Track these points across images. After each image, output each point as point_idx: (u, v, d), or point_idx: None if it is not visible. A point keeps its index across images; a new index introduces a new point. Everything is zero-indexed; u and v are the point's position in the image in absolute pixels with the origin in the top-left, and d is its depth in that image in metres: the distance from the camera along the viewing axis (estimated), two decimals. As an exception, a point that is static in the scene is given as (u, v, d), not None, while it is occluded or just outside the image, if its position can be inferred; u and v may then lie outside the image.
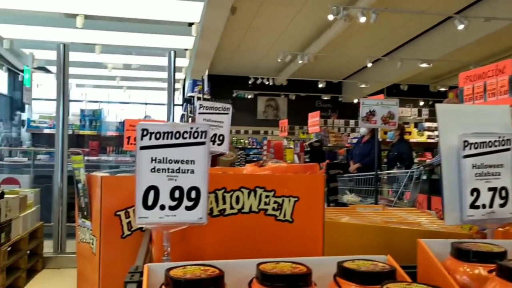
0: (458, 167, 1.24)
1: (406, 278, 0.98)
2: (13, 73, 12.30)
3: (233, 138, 17.00)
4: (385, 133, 10.62)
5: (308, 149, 11.12)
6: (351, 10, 8.38)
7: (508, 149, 1.23)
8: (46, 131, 7.35)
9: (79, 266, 2.06)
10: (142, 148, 1.02)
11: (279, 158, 12.54)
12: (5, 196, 3.74)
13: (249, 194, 1.16)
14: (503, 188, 1.23)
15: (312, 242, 1.19)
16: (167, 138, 1.03)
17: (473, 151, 1.23)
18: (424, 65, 11.79)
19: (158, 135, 1.02)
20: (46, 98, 10.46)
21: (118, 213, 1.77)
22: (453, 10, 9.63)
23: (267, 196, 1.17)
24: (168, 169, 1.04)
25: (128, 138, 3.36)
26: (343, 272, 0.95)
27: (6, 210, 3.68)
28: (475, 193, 1.23)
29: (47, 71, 9.69)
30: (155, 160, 1.03)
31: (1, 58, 10.81)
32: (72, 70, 5.25)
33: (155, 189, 1.04)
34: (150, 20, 6.43)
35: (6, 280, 3.68)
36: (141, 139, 1.02)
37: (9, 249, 3.85)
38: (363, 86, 14.77)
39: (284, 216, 1.18)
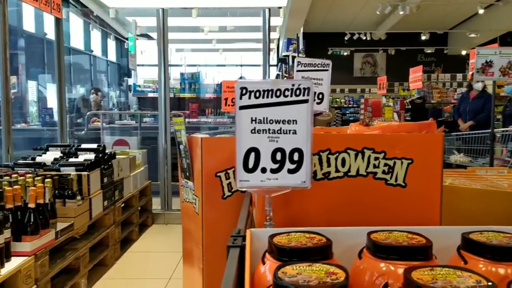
0: None
1: (548, 255, 0.82)
2: (120, 41, 13.14)
3: (329, 97, 16.65)
4: (500, 87, 9.60)
5: (409, 106, 10.50)
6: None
7: None
8: (150, 95, 7.75)
9: (184, 225, 2.14)
10: (242, 107, 0.97)
11: (378, 116, 12.04)
12: (117, 156, 4.03)
13: (356, 156, 1.06)
14: None
15: (428, 209, 1.07)
16: (267, 97, 0.96)
17: None
18: (548, 7, 10.30)
19: (257, 94, 0.96)
20: (149, 64, 11.04)
21: (218, 174, 1.78)
22: None
23: (376, 158, 1.06)
24: (269, 129, 0.98)
25: (226, 99, 3.38)
26: (470, 245, 0.82)
27: (118, 169, 3.97)
28: None
29: (149, 37, 10.16)
30: (255, 120, 0.97)
31: (109, 27, 11.57)
32: (171, 35, 5.40)
33: (256, 151, 0.98)
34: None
35: (121, 233, 4.02)
36: (240, 98, 0.96)
37: (122, 205, 4.18)
38: (472, 35, 13.41)
39: (396, 180, 1.07)
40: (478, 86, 6.65)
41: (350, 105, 17.23)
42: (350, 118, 16.78)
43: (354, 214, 1.08)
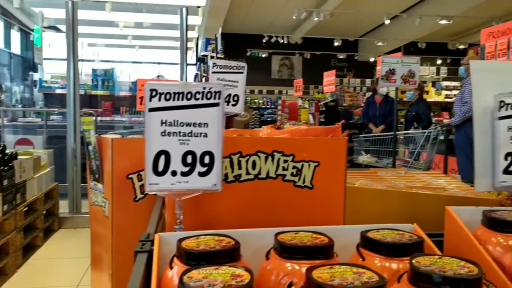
0: (491, 129, 1.15)
1: (435, 250, 0.91)
2: (25, 33, 12.21)
3: (247, 98, 16.87)
4: (403, 92, 10.38)
5: (323, 109, 10.97)
6: (370, -37, 7.99)
7: (549, 110, 1.13)
8: (58, 91, 7.31)
9: (92, 229, 2.04)
10: (151, 110, 0.95)
11: (294, 118, 12.43)
12: (19, 157, 3.75)
13: (266, 158, 1.09)
14: (541, 152, 1.14)
15: (333, 209, 1.13)
16: (178, 99, 0.96)
17: (510, 112, 1.13)
18: (443, 21, 11.35)
19: (168, 96, 0.95)
20: (57, 58, 10.39)
21: (130, 176, 1.73)
22: (478, -38, 9.14)
23: (285, 161, 1.09)
24: (180, 132, 0.97)
25: (141, 98, 3.29)
26: (367, 243, 0.88)
27: (20, 171, 3.69)
28: (509, 158, 1.14)
29: (58, 30, 9.57)
30: (165, 123, 0.96)
31: (13, 17, 10.70)
32: (82, 29, 5.14)
33: (166, 154, 0.97)
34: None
35: (24, 240, 3.74)
36: (150, 100, 0.94)
37: (25, 209, 3.89)
38: (380, 44, 14.36)
39: (304, 182, 1.11)
40: (382, 91, 7.14)
41: (268, 106, 17.58)
42: (268, 119, 17.14)
43: (264, 216, 1.11)
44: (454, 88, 13.05)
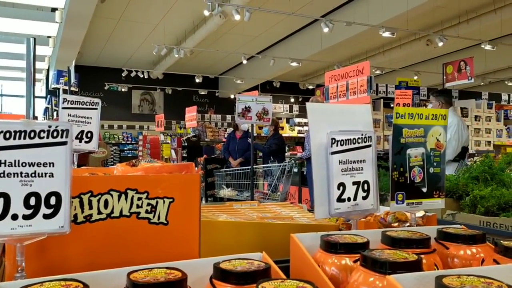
0: (326, 163, 1.31)
1: (280, 274, 0.99)
2: None
3: (106, 134, 16.14)
4: (260, 128, 11.01)
5: (186, 144, 11.03)
6: (226, 7, 8.49)
7: (369, 146, 1.34)
8: None
9: None
10: (-12, 149, 0.88)
11: (156, 153, 12.23)
12: None
13: (119, 197, 1.07)
14: (365, 181, 1.33)
15: (188, 244, 1.15)
16: (20, 138, 0.90)
17: (340, 148, 1.31)
18: (294, 63, 12.48)
19: (7, 135, 0.89)
20: None
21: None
22: (320, 14, 10.35)
23: (139, 199, 1.09)
24: (21, 173, 0.91)
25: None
26: (219, 274, 0.93)
27: None
28: (341, 187, 1.31)
29: None
30: (5, 163, 0.89)
31: None
32: None
33: (6, 196, 0.90)
34: (7, 2, 5.73)
35: None
36: (-14, 139, 0.87)
37: None
38: (238, 81, 15.13)
39: (159, 218, 1.12)
40: (244, 127, 7.50)
41: (128, 142, 17.03)
42: (129, 155, 16.55)
43: (118, 256, 1.08)
44: (305, 124, 14.27)
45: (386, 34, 9.22)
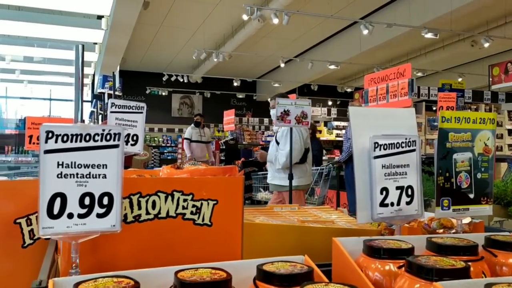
0: (369, 167, 1.30)
1: (323, 278, 1.00)
2: None
3: (147, 136, 16.53)
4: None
5: (224, 147, 11.15)
6: (265, 11, 8.54)
7: (413, 150, 1.32)
8: None
9: (-29, 281, 1.84)
10: (47, 152, 0.93)
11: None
12: None
13: (166, 198, 1.11)
14: (409, 186, 1.31)
15: (231, 245, 1.17)
16: (76, 141, 0.95)
17: (383, 152, 1.30)
18: (332, 66, 12.38)
19: (65, 138, 0.94)
20: None
21: (18, 220, 1.61)
22: (359, 16, 10.23)
23: (185, 200, 1.13)
24: (77, 174, 0.96)
25: (30, 137, 3.10)
26: (263, 275, 0.94)
27: None
28: (384, 192, 1.29)
29: None
30: (62, 165, 0.94)
31: None
32: (-38, 61, 4.72)
33: (62, 196, 0.95)
34: (55, 10, 5.99)
35: None
36: (46, 142, 0.92)
37: None
38: (276, 85, 15.15)
39: (203, 220, 1.15)
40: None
41: (168, 145, 17.38)
42: (168, 157, 16.90)
43: (165, 255, 1.12)
44: (344, 127, 14.13)
45: (429, 35, 9.00)
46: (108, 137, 0.97)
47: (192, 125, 9.38)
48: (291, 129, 4.08)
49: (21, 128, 6.79)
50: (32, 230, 1.63)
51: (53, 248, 1.34)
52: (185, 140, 9.33)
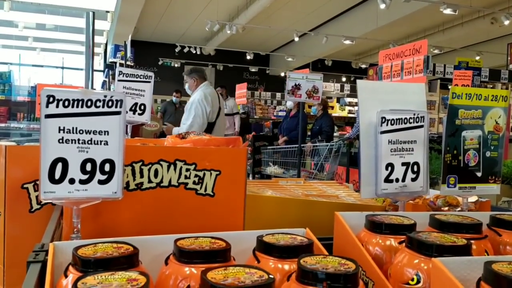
0: (375, 142, 1.28)
1: (323, 250, 1.00)
2: None
3: (159, 108, 16.55)
4: (310, 107, 10.91)
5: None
6: (280, -18, 8.35)
7: (421, 126, 1.29)
8: None
9: (-19, 243, 1.89)
10: (48, 116, 0.93)
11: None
12: None
13: (168, 167, 1.11)
14: (415, 163, 1.29)
15: (233, 216, 1.18)
16: (78, 107, 0.95)
17: (390, 127, 1.28)
18: (347, 41, 12.16)
19: (66, 103, 0.93)
20: None
21: (25, 185, 1.63)
22: (377, -11, 9.94)
23: (187, 170, 1.12)
24: (79, 140, 0.96)
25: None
26: (262, 246, 0.94)
27: None
28: (389, 168, 1.28)
29: None
30: (63, 130, 0.94)
31: None
32: (-25, 27, 4.73)
33: (64, 161, 0.95)
34: (67, -23, 5.93)
35: None
36: (47, 106, 0.92)
37: None
38: (289, 59, 14.98)
39: (205, 190, 1.15)
40: (289, 104, 7.46)
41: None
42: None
43: (166, 223, 1.12)
44: (357, 104, 13.98)
45: (448, 11, 8.76)
46: (110, 103, 0.97)
47: None
48: (196, 101, 4.06)
49: (33, 95, 6.82)
50: (39, 193, 1.65)
51: (58, 213, 1.36)
52: None
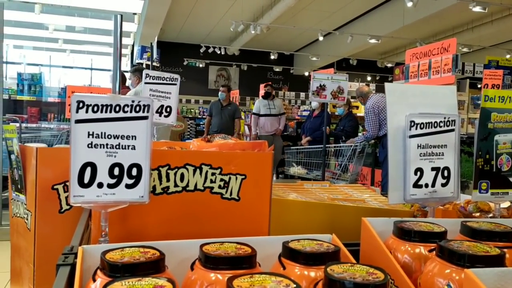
0: (404, 146, 1.25)
1: (350, 258, 0.98)
2: None
3: (183, 108, 16.72)
4: (334, 107, 10.81)
5: (259, 120, 11.08)
6: (305, -18, 8.30)
7: (452, 130, 1.26)
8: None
9: (13, 242, 1.94)
10: (78, 121, 0.94)
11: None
12: None
13: (194, 171, 1.11)
14: (445, 168, 1.26)
15: (258, 220, 1.17)
16: (106, 112, 0.96)
17: (419, 131, 1.25)
18: (373, 40, 12.00)
19: (95, 108, 0.95)
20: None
21: (55, 186, 1.67)
22: (404, -13, 9.77)
23: (213, 174, 1.13)
24: (107, 144, 0.97)
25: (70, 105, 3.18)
26: (288, 253, 0.93)
27: None
28: (418, 173, 1.25)
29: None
30: (92, 135, 0.96)
31: None
32: (8, 30, 4.87)
33: (92, 165, 0.97)
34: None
35: None
36: (77, 111, 0.94)
37: None
38: (314, 59, 14.87)
39: (231, 194, 1.15)
40: (314, 105, 7.40)
41: (204, 116, 17.46)
42: (204, 129, 17.06)
43: (191, 227, 1.13)
44: (382, 103, 13.75)
45: (477, 9, 8.54)
46: (137, 108, 0.97)
47: (260, 97, 8.65)
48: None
49: (62, 96, 6.98)
50: (68, 196, 1.69)
51: (87, 215, 1.38)
52: (252, 116, 8.59)
